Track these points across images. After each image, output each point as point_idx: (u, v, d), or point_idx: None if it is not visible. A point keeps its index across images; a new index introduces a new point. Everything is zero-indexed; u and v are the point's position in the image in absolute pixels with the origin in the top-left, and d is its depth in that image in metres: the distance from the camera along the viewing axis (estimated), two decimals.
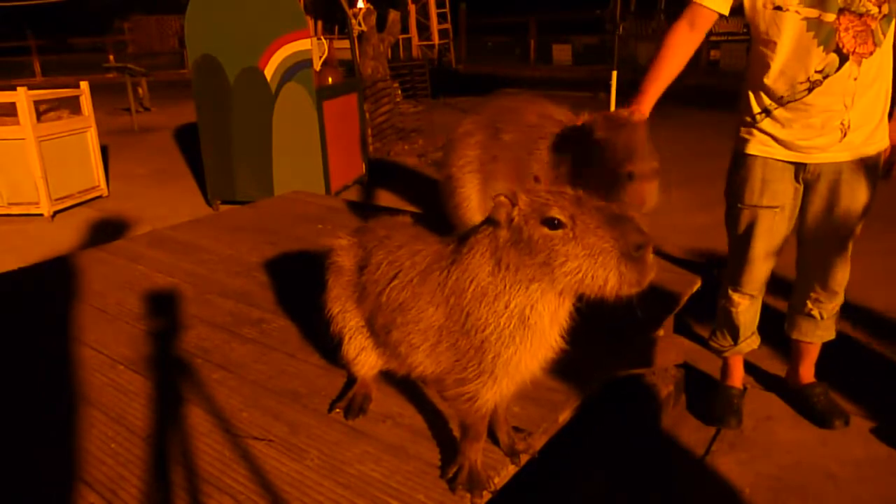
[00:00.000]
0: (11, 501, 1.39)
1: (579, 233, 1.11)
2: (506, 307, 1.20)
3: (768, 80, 2.08)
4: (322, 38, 6.96)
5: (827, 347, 2.46)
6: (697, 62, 15.67)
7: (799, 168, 2.15)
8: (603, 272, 1.10)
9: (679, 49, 2.14)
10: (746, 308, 2.39)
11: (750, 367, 2.72)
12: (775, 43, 2.02)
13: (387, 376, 1.64)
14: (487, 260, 1.22)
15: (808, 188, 2.18)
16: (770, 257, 2.28)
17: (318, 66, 5.71)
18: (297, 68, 5.14)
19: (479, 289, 1.22)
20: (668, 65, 2.14)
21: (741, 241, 2.29)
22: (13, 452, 1.54)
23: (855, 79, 1.99)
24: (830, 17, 1.94)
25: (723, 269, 2.49)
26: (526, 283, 1.18)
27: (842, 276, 2.27)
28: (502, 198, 1.18)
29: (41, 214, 5.50)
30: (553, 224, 1.13)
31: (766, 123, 2.13)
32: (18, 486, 1.42)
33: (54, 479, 1.43)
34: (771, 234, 2.24)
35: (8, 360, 1.98)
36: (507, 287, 1.19)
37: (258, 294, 2.37)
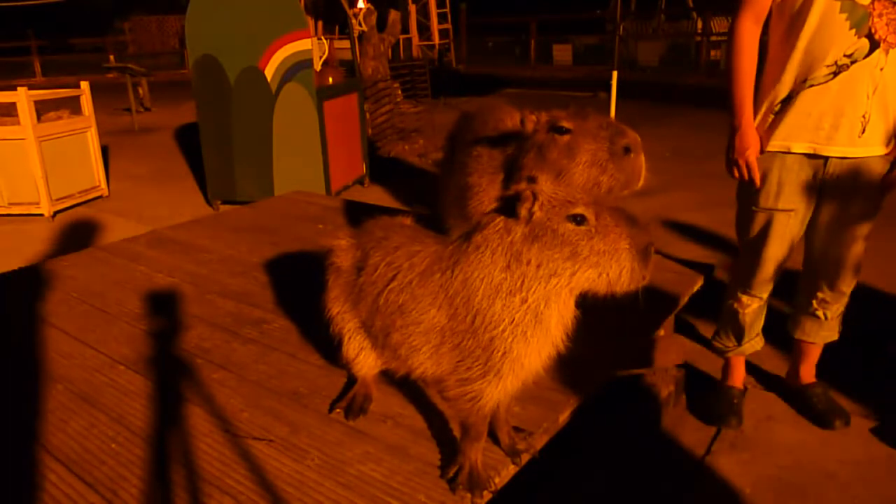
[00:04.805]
0: (11, 501, 1.39)
1: (601, 229, 1.16)
2: (522, 302, 1.21)
3: (792, 61, 2.04)
4: (322, 38, 6.96)
5: (827, 347, 2.46)
6: (697, 62, 15.68)
7: (817, 167, 2.12)
8: (618, 267, 1.16)
9: (753, 47, 2.14)
10: (754, 310, 2.39)
11: (750, 367, 2.72)
12: (805, 20, 1.99)
13: (387, 376, 1.64)
14: (501, 255, 1.22)
15: (824, 188, 2.16)
16: (782, 259, 2.27)
17: (318, 66, 5.72)
18: (298, 68, 5.14)
19: (491, 286, 1.22)
20: (750, 66, 2.13)
21: (754, 244, 2.28)
22: (13, 452, 1.54)
23: (881, 69, 1.97)
24: (865, 0, 1.93)
25: (728, 267, 2.49)
26: (546, 277, 1.19)
27: (851, 277, 2.26)
28: (528, 192, 1.18)
29: (41, 214, 5.50)
30: (578, 220, 1.16)
31: (784, 113, 2.10)
32: (18, 486, 1.42)
33: (54, 478, 1.43)
34: (784, 236, 2.22)
35: (8, 360, 1.98)
36: (525, 282, 1.20)
37: (258, 294, 2.36)
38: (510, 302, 1.21)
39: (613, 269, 1.16)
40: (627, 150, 1.61)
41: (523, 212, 1.19)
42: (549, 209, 1.18)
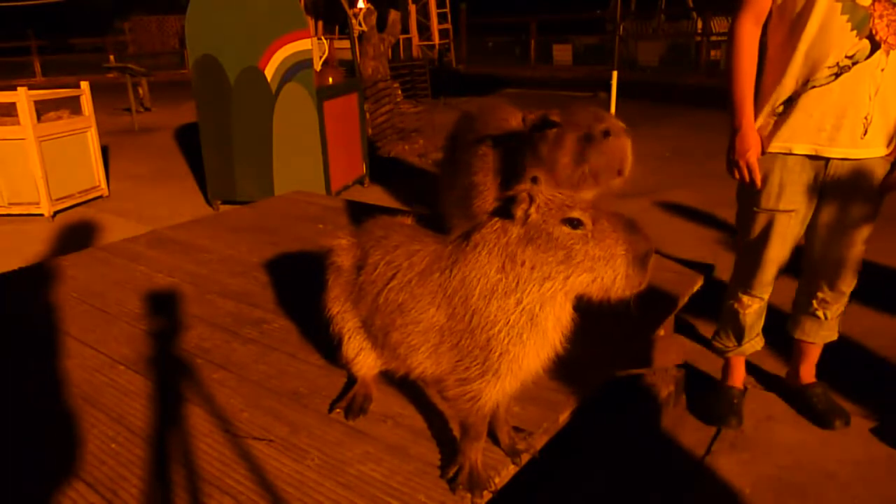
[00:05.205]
0: (12, 501, 1.39)
1: (597, 234, 1.15)
2: (517, 304, 1.20)
3: (793, 63, 2.04)
4: (322, 38, 6.97)
5: (827, 347, 2.46)
6: (697, 62, 15.68)
7: (818, 168, 2.12)
8: (612, 273, 1.15)
9: (754, 48, 2.12)
10: (755, 310, 2.39)
11: (750, 367, 2.72)
12: (806, 22, 1.99)
13: (387, 376, 1.64)
14: (496, 256, 1.22)
15: (825, 189, 2.15)
16: (783, 260, 2.27)
17: (318, 66, 5.72)
18: (298, 68, 5.14)
19: (487, 286, 1.22)
20: (751, 67, 2.12)
21: (754, 244, 2.27)
22: (14, 452, 1.54)
23: (882, 70, 1.97)
24: (866, 1, 1.92)
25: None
26: (540, 280, 1.19)
27: (851, 277, 2.26)
28: (524, 194, 1.18)
29: (41, 214, 5.50)
30: (574, 224, 1.15)
31: (787, 116, 2.09)
32: (19, 486, 1.42)
33: (55, 478, 1.43)
34: (785, 237, 2.22)
35: (8, 360, 1.98)
36: (520, 283, 1.20)
37: (258, 294, 2.36)
38: (505, 303, 1.21)
39: (608, 274, 1.15)
40: (607, 133, 1.61)
41: (519, 213, 1.19)
42: (546, 212, 1.17)
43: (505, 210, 1.21)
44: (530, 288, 1.19)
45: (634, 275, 1.15)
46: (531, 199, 1.18)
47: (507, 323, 1.21)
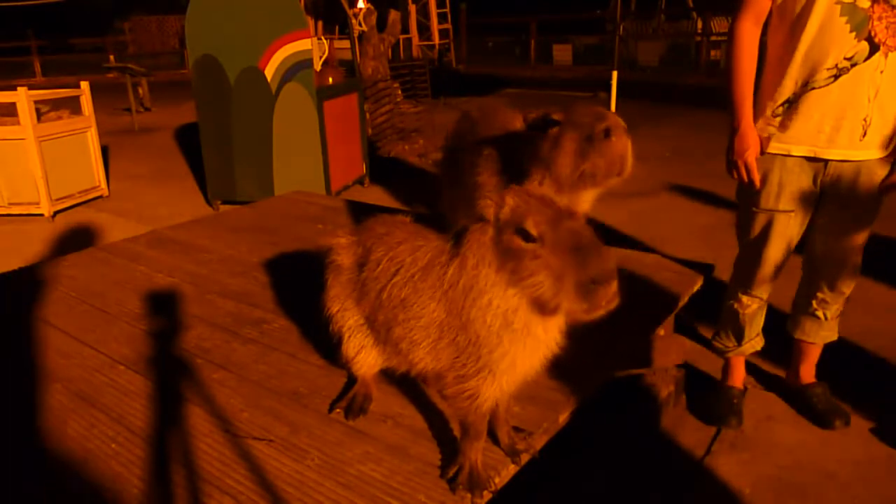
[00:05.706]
0: (12, 501, 1.39)
1: (546, 252, 1.11)
2: (488, 304, 1.20)
3: (793, 65, 2.04)
4: (322, 38, 6.97)
5: (827, 347, 2.46)
6: (697, 62, 15.68)
7: (817, 170, 2.12)
8: (554, 295, 1.10)
9: (753, 48, 2.12)
10: (754, 310, 2.39)
11: (750, 367, 2.72)
12: (805, 23, 1.98)
13: (387, 376, 1.64)
14: (473, 255, 1.22)
15: (825, 190, 2.15)
16: (782, 260, 2.27)
17: (318, 66, 5.72)
18: (298, 68, 5.14)
19: (467, 282, 1.23)
20: (750, 67, 2.12)
21: (754, 245, 2.28)
22: (13, 452, 1.54)
23: (881, 71, 1.97)
24: (865, 3, 1.92)
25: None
26: (503, 286, 1.18)
27: (851, 278, 2.27)
28: (488, 200, 1.19)
29: (41, 214, 5.50)
30: (525, 236, 1.12)
31: (786, 118, 2.09)
32: (19, 486, 1.42)
33: (55, 478, 1.43)
34: (785, 237, 2.22)
35: (7, 360, 1.98)
36: (490, 285, 1.20)
37: (258, 294, 2.36)
38: (480, 302, 1.21)
39: (550, 295, 1.10)
40: (608, 133, 1.58)
41: (487, 216, 1.19)
42: (510, 218, 1.16)
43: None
44: (498, 292, 1.19)
45: (578, 300, 1.08)
46: (500, 203, 1.18)
47: (485, 323, 1.22)
